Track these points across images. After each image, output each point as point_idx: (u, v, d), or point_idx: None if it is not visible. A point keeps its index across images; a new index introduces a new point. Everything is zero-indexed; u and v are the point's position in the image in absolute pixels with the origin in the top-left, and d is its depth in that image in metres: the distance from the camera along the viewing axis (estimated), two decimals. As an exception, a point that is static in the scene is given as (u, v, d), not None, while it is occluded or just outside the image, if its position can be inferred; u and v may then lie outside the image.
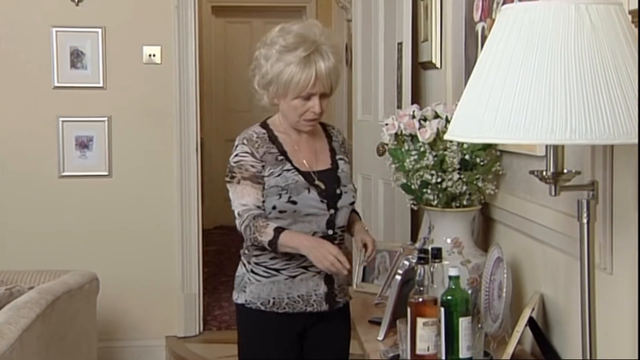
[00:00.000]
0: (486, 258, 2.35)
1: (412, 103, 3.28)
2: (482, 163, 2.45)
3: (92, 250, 4.27)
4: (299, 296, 2.43)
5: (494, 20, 2.53)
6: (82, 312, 3.26)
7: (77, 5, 4.17)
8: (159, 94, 4.29)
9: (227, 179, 2.41)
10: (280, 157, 2.39)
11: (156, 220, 4.34)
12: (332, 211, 2.41)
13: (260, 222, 2.32)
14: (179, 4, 4.23)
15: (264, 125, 2.47)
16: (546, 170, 1.61)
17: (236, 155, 2.40)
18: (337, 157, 2.51)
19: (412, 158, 2.45)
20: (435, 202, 2.46)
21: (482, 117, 1.49)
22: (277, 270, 2.42)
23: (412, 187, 2.50)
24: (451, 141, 2.44)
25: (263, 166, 2.37)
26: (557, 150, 1.60)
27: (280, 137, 2.44)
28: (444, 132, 2.44)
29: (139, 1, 4.27)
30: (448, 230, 2.47)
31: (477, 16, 2.72)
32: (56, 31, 4.16)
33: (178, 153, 4.32)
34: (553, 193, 1.61)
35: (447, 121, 2.48)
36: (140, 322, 4.35)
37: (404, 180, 2.53)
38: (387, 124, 2.59)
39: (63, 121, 4.21)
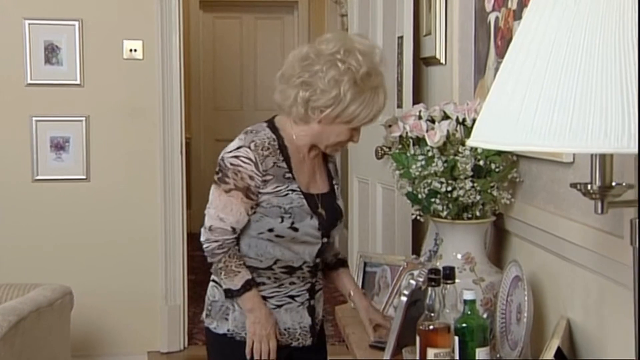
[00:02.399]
0: (502, 276, 2.14)
1: (414, 102, 3.16)
2: (497, 169, 2.24)
3: (68, 261, 4.13)
4: (285, 329, 2.28)
5: (510, 9, 2.32)
6: (54, 330, 3.03)
7: None
8: (140, 92, 4.15)
9: (216, 178, 2.18)
10: (288, 174, 2.18)
11: (138, 227, 4.21)
12: (325, 240, 2.27)
13: (233, 263, 2.18)
14: None
15: (274, 128, 2.22)
16: (591, 184, 1.34)
17: (236, 157, 2.14)
18: (334, 182, 2.35)
19: (418, 164, 2.24)
20: (445, 213, 2.24)
21: (517, 118, 1.22)
22: (264, 297, 2.25)
23: (419, 196, 2.28)
24: (463, 145, 2.24)
25: (265, 181, 2.15)
26: (604, 160, 1.33)
27: (290, 150, 2.21)
28: (454, 135, 2.25)
29: None
30: (458, 244, 2.26)
31: (489, 5, 2.51)
32: (29, 24, 4.01)
33: (161, 155, 4.19)
34: (600, 211, 1.34)
35: (459, 122, 2.29)
36: (120, 337, 4.20)
37: (409, 189, 2.32)
38: (390, 126, 2.38)
39: (37, 121, 4.06)
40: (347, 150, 4.20)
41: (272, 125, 2.22)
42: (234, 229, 2.16)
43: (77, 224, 4.15)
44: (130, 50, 4.10)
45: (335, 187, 2.34)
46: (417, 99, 3.22)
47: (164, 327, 4.28)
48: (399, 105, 3.30)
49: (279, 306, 2.26)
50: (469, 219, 2.26)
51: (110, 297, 4.16)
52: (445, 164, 2.22)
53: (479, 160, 2.22)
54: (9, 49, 4.03)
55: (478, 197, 2.23)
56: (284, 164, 2.17)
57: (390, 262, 2.69)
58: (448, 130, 2.24)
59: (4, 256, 4.05)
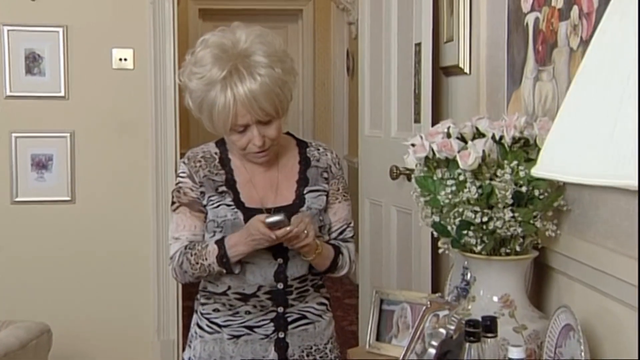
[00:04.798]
0: (547, 323, 1.90)
1: (433, 116, 2.96)
2: (541, 196, 1.95)
3: (48, 292, 3.91)
4: None
5: (554, 8, 2.03)
6: (27, 375, 2.67)
7: (33, 0, 3.80)
8: (131, 105, 3.95)
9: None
10: (222, 188, 2.07)
11: (127, 254, 3.98)
12: (280, 260, 2.06)
13: (197, 247, 2.04)
14: None
15: (220, 143, 2.15)
16: None
17: (177, 176, 2.14)
18: (308, 189, 2.12)
19: (448, 190, 1.97)
20: (479, 247, 1.97)
21: (607, 143, 0.96)
22: (219, 325, 2.11)
23: (448, 227, 2.01)
24: (502, 168, 1.96)
25: (202, 192, 2.07)
26: None
27: (234, 162, 2.11)
28: (490, 156, 1.96)
29: None
30: (495, 284, 2.01)
31: (526, 5, 2.24)
32: (8, 30, 3.81)
33: (154, 174, 3.96)
34: None
35: (495, 141, 2.00)
36: (107, 377, 3.97)
37: (436, 218, 2.04)
38: (413, 145, 2.09)
39: (16, 137, 3.87)
40: (356, 169, 4.00)
41: (220, 140, 2.15)
42: (191, 243, 2.08)
43: (60, 250, 3.94)
44: (120, 59, 3.93)
45: (309, 195, 2.11)
46: (436, 113, 3.01)
47: (157, 365, 4.04)
48: (417, 120, 3.06)
49: (236, 337, 2.09)
50: (507, 254, 1.99)
51: (95, 334, 3.92)
52: (480, 190, 1.94)
53: (520, 186, 1.94)
54: (-15, 59, 3.82)
55: (519, 230, 1.95)
56: (220, 177, 2.08)
57: (411, 299, 2.44)
58: (484, 151, 1.95)
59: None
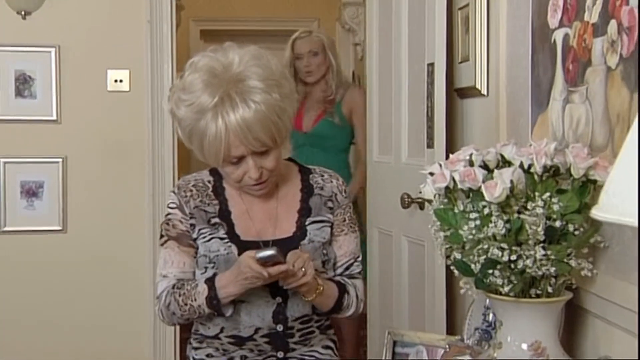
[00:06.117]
0: None
1: (447, 141, 2.84)
2: (576, 232, 1.78)
3: (39, 327, 3.82)
4: None
5: (586, 23, 1.86)
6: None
7: (24, 18, 3.73)
8: (127, 128, 3.89)
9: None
10: (215, 219, 1.95)
11: (122, 286, 3.90)
12: (278, 299, 1.93)
13: (186, 286, 1.92)
14: (152, 18, 3.81)
15: (215, 171, 2.01)
16: None
17: (167, 207, 2.01)
18: (311, 219, 2.01)
19: (472, 224, 1.80)
20: (507, 288, 1.80)
21: None
22: None
23: (472, 266, 1.84)
24: (532, 200, 1.79)
25: (193, 225, 1.95)
26: None
27: (229, 191, 1.99)
28: (518, 187, 1.80)
29: (102, 15, 3.85)
30: (524, 329, 1.84)
31: (554, 21, 2.07)
32: None
33: (150, 201, 3.87)
34: None
35: (524, 170, 1.83)
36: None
37: (458, 255, 1.87)
38: (431, 174, 1.93)
39: (5, 163, 3.80)
40: (363, 196, 3.91)
41: (214, 168, 2.00)
42: (179, 281, 1.96)
43: (52, 282, 3.85)
44: (116, 80, 3.86)
45: (311, 227, 1.99)
46: (450, 138, 2.88)
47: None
48: (429, 145, 2.93)
49: None
50: (537, 295, 1.83)
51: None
52: (508, 225, 1.77)
53: (554, 221, 1.77)
54: (-26, 80, 3.78)
55: (552, 269, 1.78)
56: (212, 208, 1.96)
57: (427, 341, 2.30)
58: (512, 181, 1.78)
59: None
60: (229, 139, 1.78)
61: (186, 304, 1.89)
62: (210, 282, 1.88)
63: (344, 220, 2.01)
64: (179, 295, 1.90)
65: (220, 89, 1.78)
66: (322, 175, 2.04)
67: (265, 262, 1.77)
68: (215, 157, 1.82)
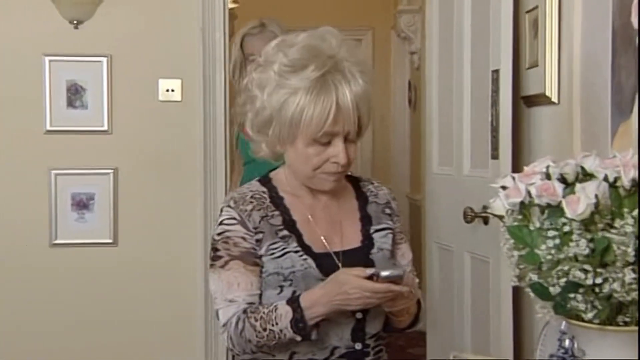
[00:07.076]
0: None
1: (514, 151, 2.74)
2: None
3: (88, 341, 3.73)
4: None
5: None
6: None
7: (76, 28, 3.67)
8: (178, 139, 3.80)
9: (210, 263, 1.88)
10: (284, 231, 1.83)
11: (174, 303, 3.79)
12: (359, 315, 1.82)
13: (262, 310, 1.77)
14: (204, 25, 3.72)
15: (265, 181, 1.92)
16: None
17: (220, 224, 1.85)
18: (374, 227, 1.93)
19: (550, 243, 1.66)
20: (591, 314, 1.67)
21: None
22: None
23: (550, 289, 1.69)
24: (620, 217, 1.63)
25: (259, 240, 1.82)
26: None
27: (287, 199, 1.88)
28: (603, 202, 1.67)
29: (153, 24, 3.78)
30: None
31: (637, 21, 1.97)
32: (49, 60, 3.69)
33: (203, 213, 3.76)
34: None
35: (610, 184, 1.69)
36: None
37: (535, 277, 1.71)
38: (503, 187, 1.79)
39: (56, 175, 3.74)
40: (419, 207, 3.78)
41: (265, 177, 1.94)
42: (251, 305, 1.82)
43: (102, 296, 3.77)
44: (167, 90, 3.79)
45: (376, 235, 1.91)
46: (516, 148, 2.77)
47: None
48: (494, 156, 2.81)
49: None
50: (625, 323, 1.67)
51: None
52: (592, 245, 1.63)
53: None
54: (25, 90, 3.70)
55: None
56: (277, 219, 1.84)
57: None
58: (597, 196, 1.63)
59: (11, 334, 3.69)
60: (337, 112, 1.74)
61: (265, 329, 1.75)
62: (294, 303, 1.76)
63: (400, 229, 1.97)
64: (255, 320, 1.76)
65: (330, 60, 1.75)
66: (372, 183, 2.00)
67: (382, 282, 1.69)
68: (311, 132, 1.75)
